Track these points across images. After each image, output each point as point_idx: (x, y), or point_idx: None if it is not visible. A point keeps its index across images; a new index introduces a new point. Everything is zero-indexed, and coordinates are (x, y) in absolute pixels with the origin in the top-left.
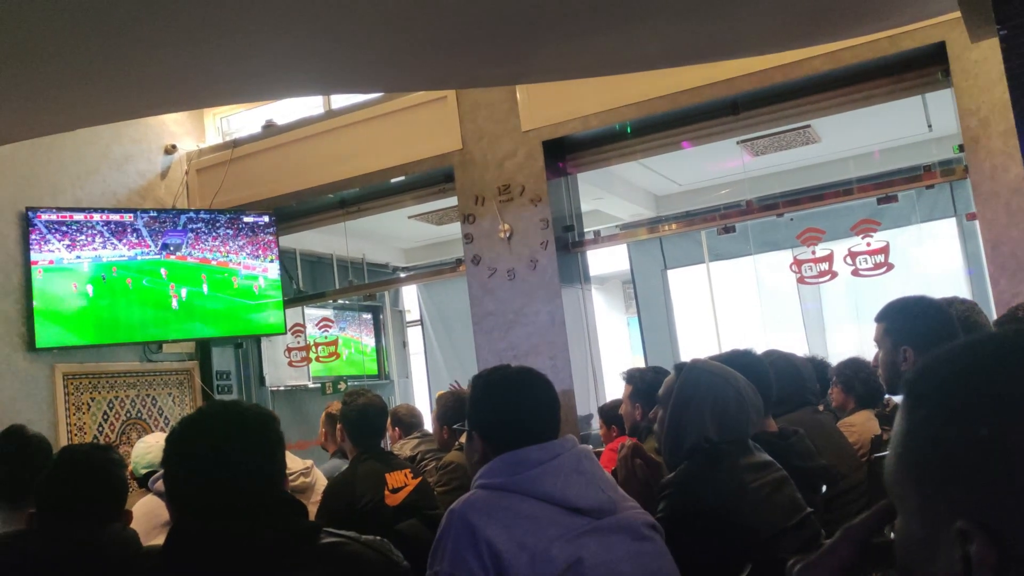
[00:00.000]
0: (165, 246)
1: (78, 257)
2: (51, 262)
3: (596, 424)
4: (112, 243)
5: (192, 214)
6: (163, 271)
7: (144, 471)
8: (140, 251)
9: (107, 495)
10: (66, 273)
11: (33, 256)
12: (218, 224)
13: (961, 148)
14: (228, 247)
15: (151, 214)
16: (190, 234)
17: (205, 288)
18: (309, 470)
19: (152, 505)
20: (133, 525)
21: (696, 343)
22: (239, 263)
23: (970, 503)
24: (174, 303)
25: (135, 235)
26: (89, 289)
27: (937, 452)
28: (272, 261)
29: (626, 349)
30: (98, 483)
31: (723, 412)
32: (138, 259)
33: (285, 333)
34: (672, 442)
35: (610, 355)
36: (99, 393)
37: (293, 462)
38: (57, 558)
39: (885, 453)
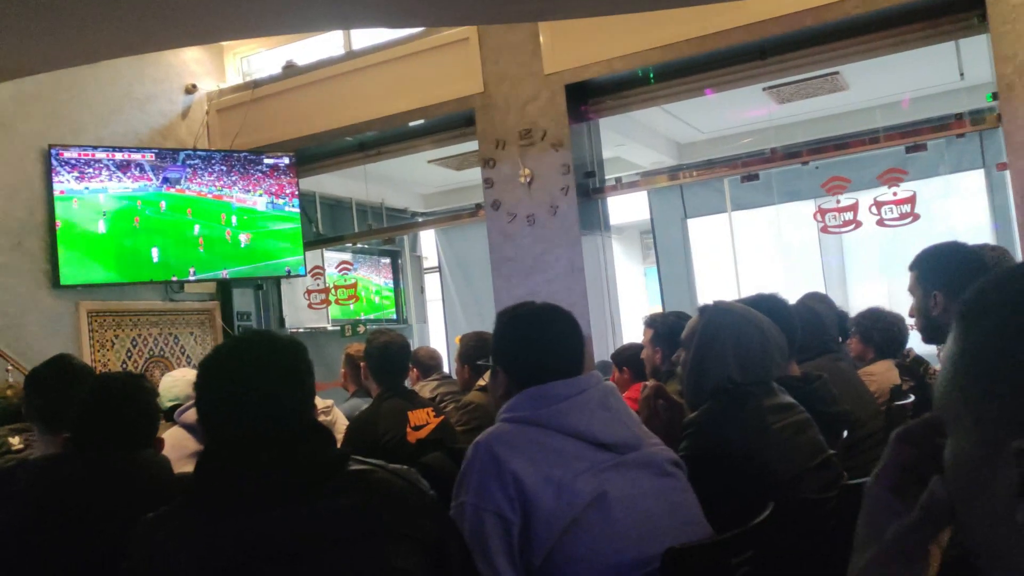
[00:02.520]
0: (185, 182)
1: (101, 194)
2: (75, 200)
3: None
4: (137, 180)
5: (209, 154)
6: (188, 210)
7: (170, 404)
8: (164, 186)
9: (140, 421)
10: (90, 211)
11: (56, 194)
12: (236, 163)
13: (995, 96)
14: (250, 185)
15: (173, 153)
16: (213, 172)
17: (228, 233)
18: (329, 409)
19: (179, 437)
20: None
21: (715, 294)
22: (257, 200)
23: None
24: (200, 240)
25: (160, 172)
26: (112, 227)
27: (997, 367)
28: (293, 198)
29: (643, 300)
30: (131, 409)
31: (746, 353)
32: (164, 193)
33: (304, 274)
34: (695, 383)
35: (627, 305)
36: (122, 331)
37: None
38: (92, 480)
39: (905, 402)
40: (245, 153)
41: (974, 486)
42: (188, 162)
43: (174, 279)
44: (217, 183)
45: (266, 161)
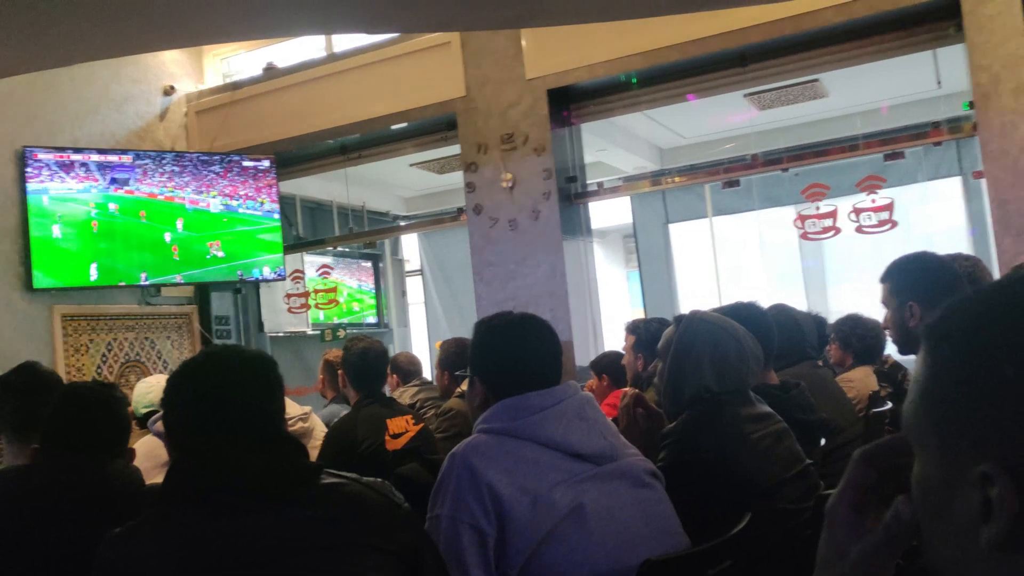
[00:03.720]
0: (134, 183)
1: (76, 196)
2: (48, 201)
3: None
4: (111, 182)
5: (191, 156)
6: (142, 212)
7: (144, 411)
8: (112, 187)
9: (111, 431)
10: (64, 213)
11: (30, 195)
12: (212, 164)
13: (971, 105)
14: (222, 187)
15: (150, 155)
16: (165, 172)
17: (210, 244)
18: (307, 416)
19: (152, 445)
20: (134, 464)
21: (697, 298)
22: (211, 201)
23: (993, 446)
24: (174, 249)
25: (133, 174)
26: (87, 228)
27: (960, 392)
28: (271, 204)
29: (625, 303)
30: (102, 419)
31: (723, 362)
32: (136, 197)
33: (284, 278)
34: (672, 393)
35: (609, 309)
36: (97, 335)
37: (291, 407)
38: (61, 492)
39: (883, 409)
40: (198, 154)
41: (939, 508)
42: (137, 163)
43: (121, 284)
44: (168, 183)
45: (245, 163)
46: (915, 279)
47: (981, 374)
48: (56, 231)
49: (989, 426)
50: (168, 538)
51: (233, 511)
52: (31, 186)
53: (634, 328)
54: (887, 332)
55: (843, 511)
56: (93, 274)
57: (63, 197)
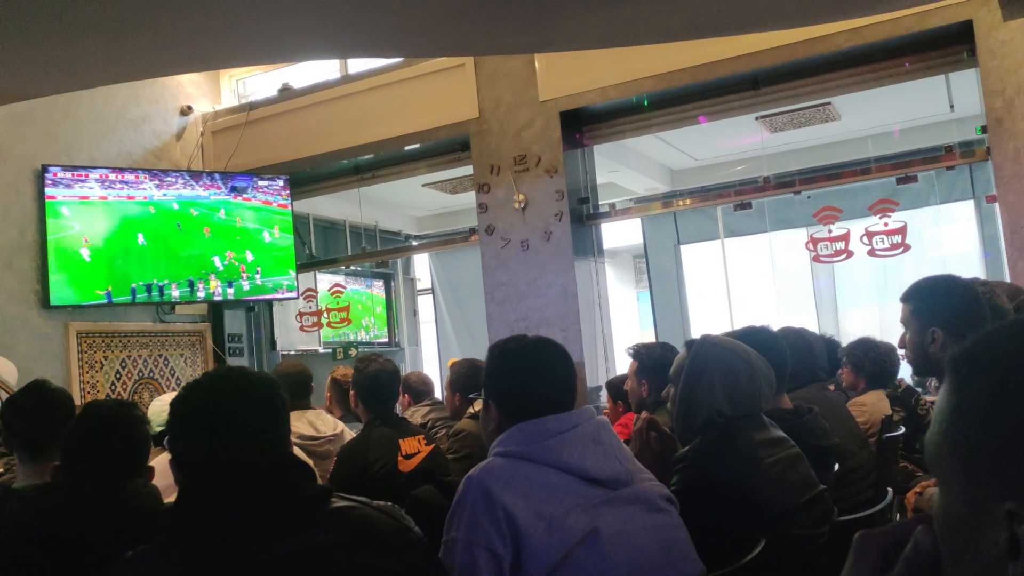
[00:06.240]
0: (180, 196)
1: (91, 214)
2: (66, 219)
3: (604, 398)
4: (127, 198)
5: (205, 175)
6: (177, 224)
7: (159, 429)
8: (155, 202)
9: (130, 450)
10: (79, 231)
11: (48, 213)
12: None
13: (984, 129)
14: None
15: (165, 174)
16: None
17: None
18: (335, 438)
19: (168, 462)
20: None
21: (708, 319)
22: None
23: (1021, 483)
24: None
25: (149, 189)
26: (102, 245)
27: (989, 428)
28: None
29: (635, 324)
30: (122, 438)
31: (735, 385)
32: (152, 211)
33: (297, 297)
34: (684, 418)
35: (620, 329)
36: (112, 352)
37: (324, 424)
38: (80, 511)
39: (896, 433)
40: (213, 172)
41: (964, 543)
42: (185, 182)
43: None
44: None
45: (260, 183)
46: (940, 304)
47: (1010, 411)
48: (81, 245)
49: (1017, 464)
50: (175, 565)
51: (239, 539)
52: (48, 191)
53: (637, 354)
54: (903, 352)
55: (873, 554)
56: (109, 291)
57: (81, 203)
